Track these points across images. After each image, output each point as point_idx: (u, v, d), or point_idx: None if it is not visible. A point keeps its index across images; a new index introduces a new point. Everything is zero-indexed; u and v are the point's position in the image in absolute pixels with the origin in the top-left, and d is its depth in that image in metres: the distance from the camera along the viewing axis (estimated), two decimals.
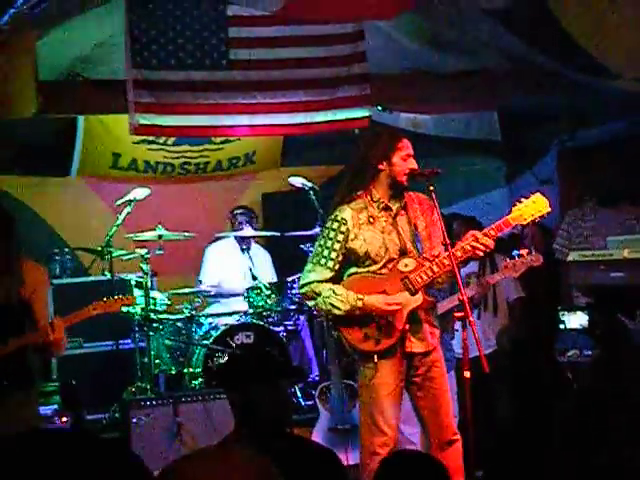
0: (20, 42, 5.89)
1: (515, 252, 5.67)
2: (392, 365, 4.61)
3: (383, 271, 4.65)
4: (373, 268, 4.66)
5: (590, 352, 5.48)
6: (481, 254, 4.61)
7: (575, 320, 5.98)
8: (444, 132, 8.43)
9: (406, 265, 4.64)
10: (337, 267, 4.69)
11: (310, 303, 4.81)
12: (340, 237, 4.66)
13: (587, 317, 5.93)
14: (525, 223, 4.75)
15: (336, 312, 4.61)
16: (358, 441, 4.86)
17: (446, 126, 8.36)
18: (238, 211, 8.06)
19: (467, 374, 4.67)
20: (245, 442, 3.50)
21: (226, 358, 6.95)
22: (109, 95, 6.84)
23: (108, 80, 6.87)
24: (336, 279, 4.69)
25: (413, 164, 4.65)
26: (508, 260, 5.84)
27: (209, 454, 2.12)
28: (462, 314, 4.54)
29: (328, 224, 4.74)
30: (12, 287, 4.66)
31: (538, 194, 4.73)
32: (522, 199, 4.72)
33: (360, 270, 4.69)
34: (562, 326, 5.99)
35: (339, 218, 4.68)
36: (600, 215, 6.52)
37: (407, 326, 4.61)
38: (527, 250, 5.63)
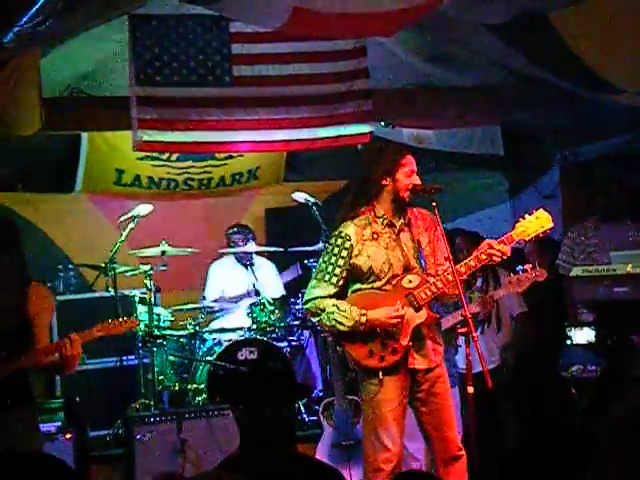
0: (24, 60, 5.90)
1: (519, 267, 5.66)
2: (396, 381, 4.60)
3: (387, 287, 4.65)
4: (377, 284, 4.66)
5: (594, 367, 5.47)
6: (498, 260, 4.61)
7: (581, 336, 5.95)
8: (447, 147, 8.44)
9: (410, 281, 4.64)
10: (341, 283, 4.69)
11: (314, 319, 4.81)
12: (344, 253, 4.66)
13: (594, 333, 5.91)
14: (528, 239, 4.75)
15: (340, 328, 4.61)
16: (362, 457, 4.85)
17: (449, 141, 8.37)
18: (231, 230, 8.05)
19: (470, 389, 4.66)
20: (249, 459, 3.50)
21: (231, 375, 6.95)
22: (112, 112, 6.85)
23: (111, 97, 6.90)
24: (340, 295, 4.70)
25: (416, 180, 4.66)
26: (512, 275, 5.84)
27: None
28: (465, 329, 4.55)
29: (332, 240, 4.75)
30: (12, 303, 4.65)
31: (541, 210, 4.74)
32: (526, 215, 4.73)
33: (364, 286, 4.69)
34: (569, 342, 5.96)
35: (343, 234, 4.69)
36: (603, 231, 6.51)
37: (411, 343, 4.61)
38: (531, 265, 5.63)
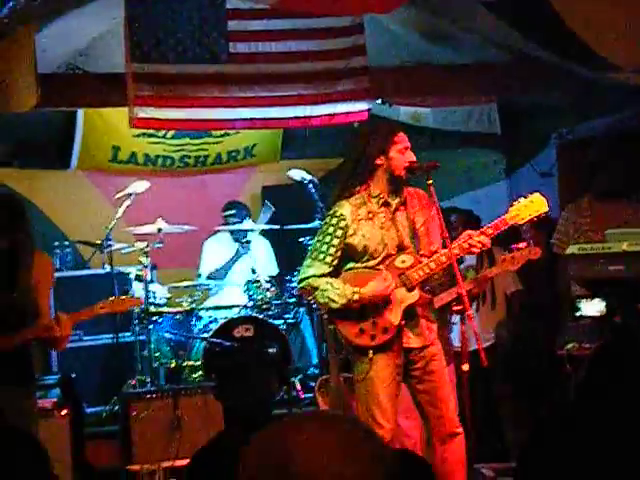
0: (19, 35, 5.88)
1: (513, 246, 5.66)
2: (388, 359, 4.61)
3: (380, 267, 4.66)
4: (371, 264, 4.67)
5: (589, 345, 5.46)
6: (477, 251, 4.65)
7: (592, 307, 5.87)
8: (444, 125, 8.42)
9: (403, 261, 4.65)
10: (335, 262, 4.69)
11: (309, 298, 4.83)
12: (339, 233, 4.66)
13: (604, 304, 5.82)
14: (522, 223, 4.75)
15: (333, 305, 4.62)
16: None
17: (446, 119, 8.35)
18: (227, 212, 8.00)
19: (465, 367, 4.69)
20: (232, 441, 3.49)
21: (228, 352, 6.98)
22: (108, 88, 6.82)
23: (107, 73, 6.87)
24: (334, 275, 4.70)
25: (411, 157, 4.66)
26: (507, 253, 5.84)
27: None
28: (460, 307, 4.56)
29: (327, 220, 4.75)
30: (24, 275, 4.66)
31: (537, 194, 4.73)
32: (520, 199, 4.72)
33: (357, 265, 4.69)
34: (577, 314, 5.83)
35: (338, 214, 4.69)
36: (597, 209, 6.51)
37: (403, 322, 4.62)
38: (526, 243, 5.63)
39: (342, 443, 1.82)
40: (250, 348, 6.81)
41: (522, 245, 5.59)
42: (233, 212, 7.98)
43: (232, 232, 7.99)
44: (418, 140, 4.81)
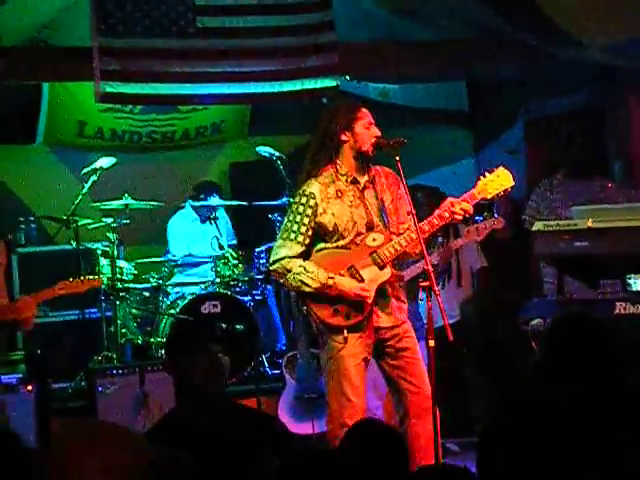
0: None
1: (477, 217, 5.70)
2: (360, 337, 4.61)
3: (351, 246, 4.66)
4: (341, 243, 4.66)
5: None
6: (460, 219, 4.64)
7: None
8: (412, 102, 8.43)
9: (374, 239, 4.65)
10: (307, 242, 4.67)
11: (280, 280, 4.79)
12: (309, 211, 4.65)
13: None
14: (490, 197, 4.77)
15: (306, 289, 4.61)
16: (324, 410, 4.88)
17: (414, 96, 8.35)
18: (202, 195, 7.94)
19: (431, 343, 4.70)
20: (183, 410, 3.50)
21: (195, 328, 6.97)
22: (74, 62, 6.75)
23: (73, 47, 6.79)
24: (306, 255, 4.69)
25: (376, 131, 4.66)
26: (471, 225, 5.88)
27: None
28: (427, 283, 4.58)
29: (297, 199, 4.73)
30: None
31: (502, 168, 4.76)
32: (486, 173, 4.75)
33: (328, 245, 4.68)
34: (631, 288, 5.76)
35: (307, 192, 4.67)
36: (568, 187, 6.55)
37: (375, 300, 4.62)
38: (489, 214, 5.67)
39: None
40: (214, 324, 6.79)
41: (485, 216, 5.64)
42: (203, 195, 7.92)
43: (197, 210, 7.94)
44: (386, 116, 4.79)
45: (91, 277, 5.44)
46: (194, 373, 3.76)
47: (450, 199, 4.67)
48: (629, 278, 5.34)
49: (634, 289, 5.40)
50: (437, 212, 4.62)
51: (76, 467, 1.91)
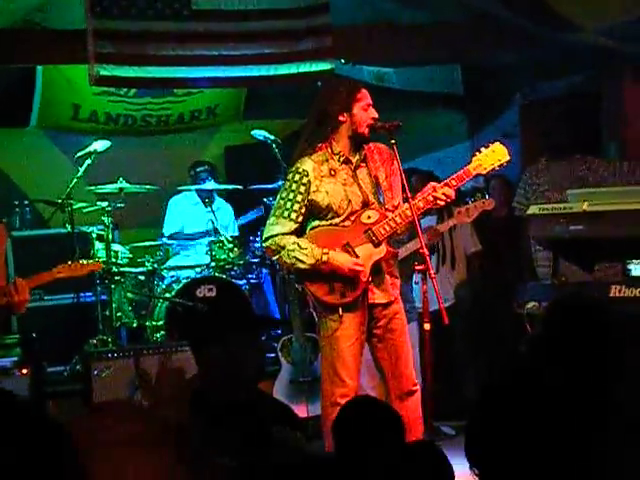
0: None
1: (468, 199, 5.71)
2: (355, 317, 4.63)
3: (346, 223, 4.66)
4: (336, 221, 4.66)
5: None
6: (442, 204, 4.66)
7: None
8: (408, 86, 8.41)
9: (369, 217, 4.65)
10: (300, 219, 4.67)
11: (273, 257, 4.78)
12: (302, 189, 4.65)
13: None
14: (485, 172, 4.80)
15: (300, 266, 4.60)
16: (319, 393, 4.89)
17: (409, 79, 8.33)
18: (200, 168, 7.97)
19: (427, 326, 4.72)
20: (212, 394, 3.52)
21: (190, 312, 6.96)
22: (69, 45, 6.72)
23: (67, 29, 6.76)
24: (299, 232, 4.69)
25: (374, 113, 4.65)
26: (461, 206, 5.89)
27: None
28: (423, 267, 4.58)
29: (290, 176, 4.72)
30: None
31: (497, 143, 4.78)
32: (482, 149, 4.76)
33: (322, 223, 4.68)
34: (630, 274, 5.72)
35: (300, 170, 4.67)
36: (553, 169, 6.54)
37: (370, 278, 4.63)
38: (480, 195, 5.68)
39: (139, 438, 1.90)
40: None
41: (477, 197, 5.65)
42: (204, 168, 7.93)
43: (199, 192, 7.93)
44: (381, 100, 4.78)
45: (91, 261, 5.44)
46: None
47: (432, 183, 4.68)
48: (629, 263, 5.32)
49: (634, 274, 5.37)
50: (422, 195, 4.62)
51: (90, 442, 1.90)
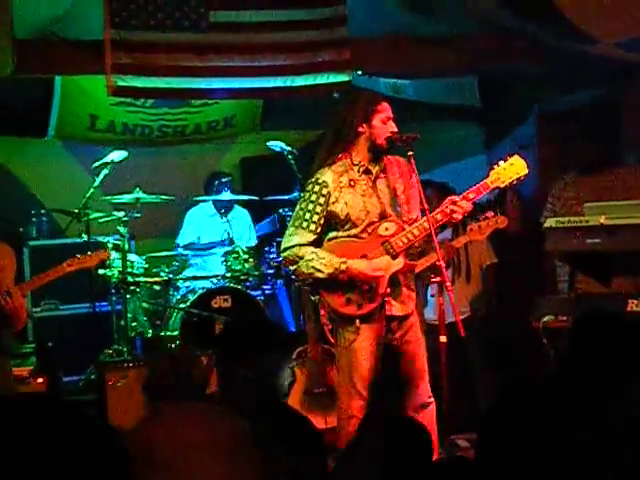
0: None
1: (480, 215, 5.69)
2: (372, 329, 4.62)
3: (363, 235, 4.65)
4: (354, 232, 4.66)
5: (565, 317, 5.48)
6: (460, 217, 4.64)
7: None
8: (424, 97, 8.39)
9: (387, 229, 4.64)
10: (319, 230, 4.66)
11: (291, 268, 4.76)
12: (322, 200, 4.64)
13: None
14: (503, 186, 4.77)
15: (319, 275, 4.59)
16: (335, 404, 4.88)
17: (426, 91, 8.32)
18: (225, 179, 7.98)
19: (443, 339, 4.70)
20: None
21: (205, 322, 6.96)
22: (86, 55, 6.74)
23: (85, 40, 6.78)
24: (317, 243, 4.68)
25: (393, 127, 4.65)
26: (474, 223, 5.86)
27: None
28: (439, 279, 4.57)
29: (309, 187, 4.71)
30: None
31: (516, 156, 4.76)
32: (500, 162, 4.75)
33: (340, 234, 4.67)
34: None
35: (320, 181, 4.66)
36: (581, 183, 6.52)
37: (388, 290, 4.62)
38: (492, 213, 5.65)
39: (213, 440, 1.90)
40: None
41: (489, 214, 5.62)
42: (228, 179, 7.95)
43: (215, 203, 7.94)
44: (397, 112, 4.78)
45: (99, 251, 5.45)
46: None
47: (450, 197, 4.66)
48: None
49: None
50: (440, 208, 4.61)
51: (164, 447, 1.92)
